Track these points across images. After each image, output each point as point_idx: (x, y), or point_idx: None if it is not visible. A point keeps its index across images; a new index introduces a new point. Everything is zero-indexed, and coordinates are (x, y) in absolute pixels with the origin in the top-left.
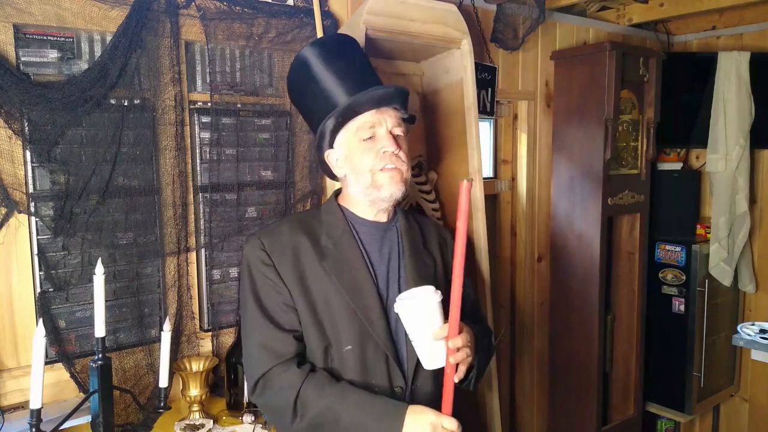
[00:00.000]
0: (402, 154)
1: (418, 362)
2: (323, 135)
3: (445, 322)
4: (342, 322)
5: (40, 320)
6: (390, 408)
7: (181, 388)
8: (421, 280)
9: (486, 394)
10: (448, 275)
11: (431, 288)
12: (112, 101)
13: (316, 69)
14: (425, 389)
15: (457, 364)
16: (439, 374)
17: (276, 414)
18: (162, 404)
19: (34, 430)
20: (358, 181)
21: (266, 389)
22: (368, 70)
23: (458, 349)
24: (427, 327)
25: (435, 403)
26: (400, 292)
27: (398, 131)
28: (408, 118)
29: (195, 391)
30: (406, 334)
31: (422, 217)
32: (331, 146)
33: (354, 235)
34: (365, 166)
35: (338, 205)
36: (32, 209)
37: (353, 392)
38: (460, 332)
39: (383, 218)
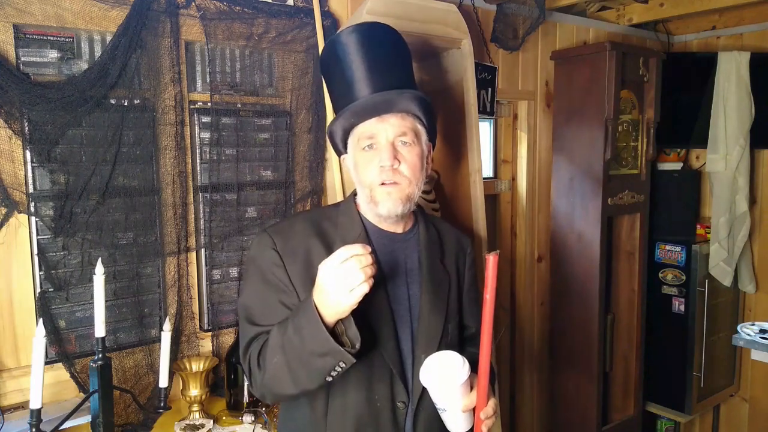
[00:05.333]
0: (404, 168)
1: None
2: (333, 137)
3: (471, 389)
4: None
5: (40, 320)
6: (301, 305)
7: (181, 388)
8: (436, 306)
9: None
10: (461, 289)
11: (459, 359)
12: (112, 101)
13: (343, 55)
14: (432, 407)
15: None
16: None
17: (252, 376)
18: (162, 404)
19: (34, 430)
20: (361, 194)
21: (246, 359)
22: (392, 68)
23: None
24: (456, 399)
25: (439, 422)
26: (412, 314)
27: (404, 140)
28: (424, 122)
29: (195, 391)
30: (413, 351)
31: (442, 222)
32: (345, 150)
33: (369, 243)
34: (366, 179)
35: (356, 207)
36: (32, 209)
37: (282, 325)
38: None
39: (398, 229)
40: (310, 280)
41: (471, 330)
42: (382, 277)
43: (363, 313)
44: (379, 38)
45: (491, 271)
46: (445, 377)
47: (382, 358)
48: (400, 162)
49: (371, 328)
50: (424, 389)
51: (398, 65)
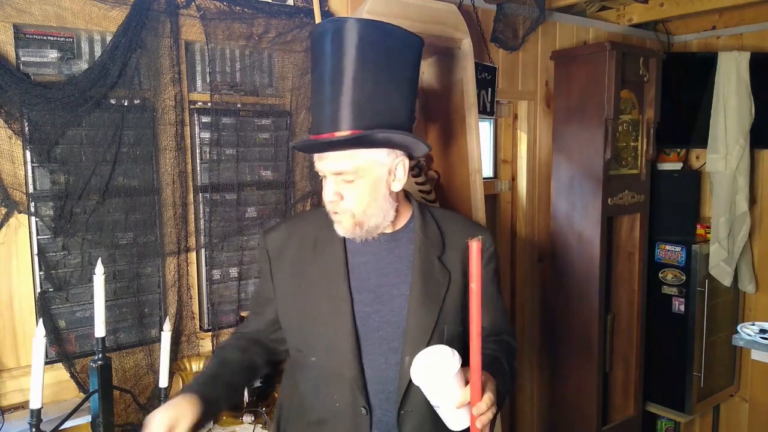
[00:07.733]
0: (346, 203)
1: (409, 385)
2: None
3: (465, 383)
4: (312, 332)
5: (40, 320)
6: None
7: (181, 388)
8: (426, 305)
9: None
10: (465, 289)
11: (448, 351)
12: (112, 101)
13: (319, 62)
14: (421, 413)
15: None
16: None
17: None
18: (162, 404)
19: (34, 430)
20: None
21: None
22: (357, 93)
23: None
24: (448, 394)
25: (431, 426)
26: (400, 314)
27: (342, 178)
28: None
29: None
30: (406, 354)
31: (451, 214)
32: None
33: (342, 245)
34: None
35: None
36: (32, 209)
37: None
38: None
39: (387, 228)
40: (292, 276)
41: (485, 331)
42: (348, 275)
43: (326, 309)
44: (368, 43)
45: (475, 258)
46: (434, 371)
47: (337, 358)
48: (342, 197)
49: (330, 326)
50: (409, 397)
51: (366, 85)
